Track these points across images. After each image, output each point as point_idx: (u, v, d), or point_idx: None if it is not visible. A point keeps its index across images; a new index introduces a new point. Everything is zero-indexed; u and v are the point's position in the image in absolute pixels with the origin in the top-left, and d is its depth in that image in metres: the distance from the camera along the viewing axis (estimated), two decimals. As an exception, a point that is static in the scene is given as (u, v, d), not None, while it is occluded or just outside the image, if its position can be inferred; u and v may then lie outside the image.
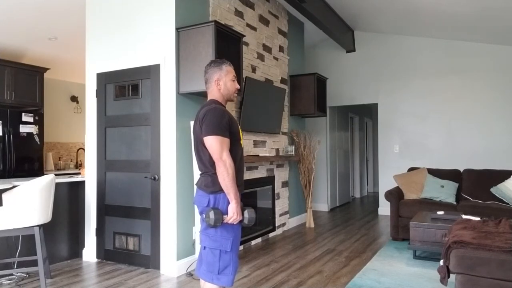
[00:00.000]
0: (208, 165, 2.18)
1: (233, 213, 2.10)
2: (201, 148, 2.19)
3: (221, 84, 2.26)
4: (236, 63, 3.92)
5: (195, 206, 3.48)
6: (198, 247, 3.61)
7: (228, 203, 2.13)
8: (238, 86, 2.33)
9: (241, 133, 2.29)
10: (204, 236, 2.18)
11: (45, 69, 6.00)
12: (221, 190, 2.14)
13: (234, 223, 2.14)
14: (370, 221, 6.44)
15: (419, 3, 5.21)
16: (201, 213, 2.22)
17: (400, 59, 6.93)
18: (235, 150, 2.18)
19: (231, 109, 4.47)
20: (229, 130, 2.14)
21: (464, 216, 3.79)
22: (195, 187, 2.29)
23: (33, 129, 5.69)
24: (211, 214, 2.07)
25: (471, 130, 6.35)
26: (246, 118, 4.60)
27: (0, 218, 3.05)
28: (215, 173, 2.13)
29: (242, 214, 2.17)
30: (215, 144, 2.08)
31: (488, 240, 2.67)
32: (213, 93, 2.28)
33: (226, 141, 2.11)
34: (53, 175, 3.37)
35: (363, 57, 7.27)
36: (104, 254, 4.16)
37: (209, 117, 2.12)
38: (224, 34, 3.81)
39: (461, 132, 6.43)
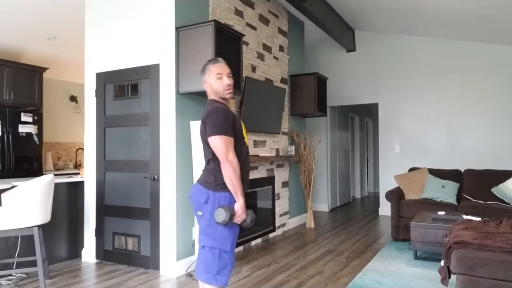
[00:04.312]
0: (211, 162, 2.17)
1: (241, 212, 2.09)
2: (205, 146, 2.20)
3: (207, 86, 2.26)
4: (236, 63, 3.91)
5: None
6: (197, 247, 3.59)
7: (229, 203, 2.11)
8: (228, 82, 2.21)
9: (244, 131, 2.27)
10: (204, 235, 2.15)
11: (44, 69, 5.99)
12: (222, 189, 2.12)
13: (240, 222, 2.13)
14: (371, 221, 6.42)
15: (420, 3, 5.19)
16: (196, 210, 2.19)
17: (401, 59, 6.92)
18: (239, 148, 2.16)
19: (231, 109, 4.45)
20: (233, 128, 2.13)
21: (465, 217, 3.77)
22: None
23: (32, 129, 5.68)
24: (224, 211, 2.03)
25: (472, 130, 6.33)
26: (246, 118, 4.59)
27: (-1, 219, 3.04)
28: (218, 170, 2.12)
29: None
30: (220, 144, 2.07)
31: (489, 240, 2.65)
32: (209, 94, 2.28)
33: (231, 140, 2.10)
34: (52, 175, 3.36)
35: (363, 56, 7.25)
36: (104, 254, 4.15)
37: (212, 117, 2.10)
38: (224, 33, 3.79)
39: (462, 132, 6.41)
